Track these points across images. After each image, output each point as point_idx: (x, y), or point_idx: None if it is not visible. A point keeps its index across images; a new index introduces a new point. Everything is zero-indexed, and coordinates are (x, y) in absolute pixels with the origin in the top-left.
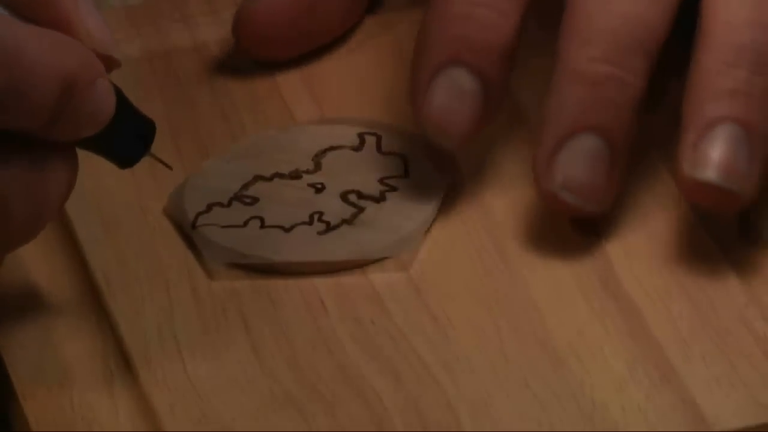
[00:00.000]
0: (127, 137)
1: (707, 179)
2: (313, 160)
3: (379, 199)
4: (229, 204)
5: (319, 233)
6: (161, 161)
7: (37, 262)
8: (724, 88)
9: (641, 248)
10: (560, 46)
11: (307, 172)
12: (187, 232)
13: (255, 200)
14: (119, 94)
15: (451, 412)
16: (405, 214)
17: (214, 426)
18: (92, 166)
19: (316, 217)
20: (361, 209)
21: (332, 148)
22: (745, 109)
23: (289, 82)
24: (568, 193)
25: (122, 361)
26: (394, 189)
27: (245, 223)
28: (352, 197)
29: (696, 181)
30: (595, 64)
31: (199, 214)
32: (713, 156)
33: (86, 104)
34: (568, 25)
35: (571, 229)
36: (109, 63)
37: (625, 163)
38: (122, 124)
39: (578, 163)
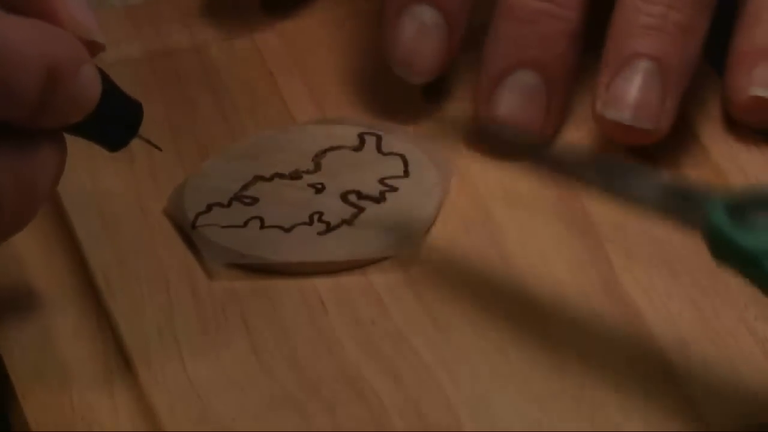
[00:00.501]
0: (115, 120)
1: (617, 119)
2: (313, 160)
3: (379, 199)
4: (229, 204)
5: (319, 233)
6: (150, 143)
7: (37, 262)
8: (638, 24)
9: (641, 248)
10: None
11: (307, 172)
12: (187, 232)
13: (255, 200)
14: (105, 77)
15: (451, 412)
16: (405, 214)
17: (214, 426)
18: (92, 166)
19: (315, 217)
20: (361, 209)
21: (332, 149)
22: (659, 45)
23: (289, 82)
24: (501, 129)
25: (122, 361)
26: (394, 189)
27: (245, 224)
28: (352, 197)
29: (607, 120)
30: (525, 1)
31: (199, 214)
32: (623, 95)
33: (71, 92)
34: None
35: (571, 229)
36: (93, 47)
37: (563, 94)
38: (109, 108)
39: (514, 99)
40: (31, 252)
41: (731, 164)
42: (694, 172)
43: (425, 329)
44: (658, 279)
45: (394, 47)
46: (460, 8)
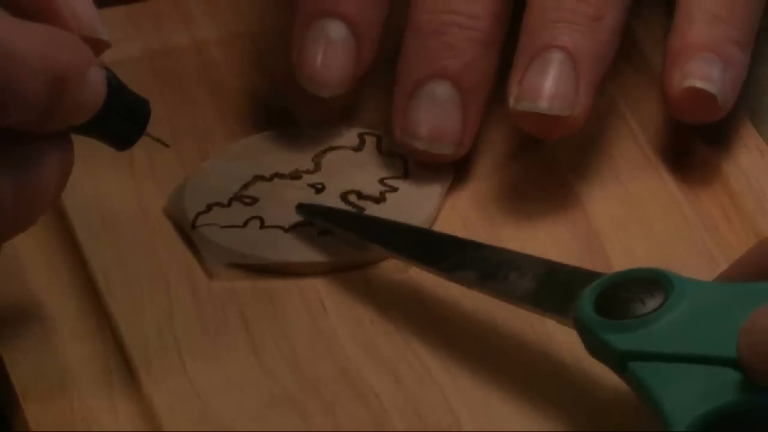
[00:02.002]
0: (122, 119)
1: (532, 110)
2: (313, 160)
3: (379, 199)
4: (229, 204)
5: (319, 233)
6: (158, 140)
7: (37, 262)
8: (548, 19)
9: (641, 249)
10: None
11: (307, 172)
12: (187, 232)
13: (255, 200)
14: (112, 76)
15: (451, 413)
16: (405, 214)
17: (214, 426)
18: (92, 167)
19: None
20: (361, 210)
21: (332, 149)
22: (569, 36)
23: (290, 82)
24: (418, 141)
25: (122, 362)
26: (394, 189)
27: (245, 223)
28: (352, 197)
29: (522, 113)
30: (432, 15)
31: (198, 214)
32: (536, 86)
33: (78, 97)
34: None
35: (571, 229)
36: (98, 45)
37: (479, 102)
38: (116, 107)
39: (428, 110)
40: (31, 252)
41: (731, 166)
42: (694, 174)
43: (425, 329)
44: None
45: (300, 62)
46: (369, 21)
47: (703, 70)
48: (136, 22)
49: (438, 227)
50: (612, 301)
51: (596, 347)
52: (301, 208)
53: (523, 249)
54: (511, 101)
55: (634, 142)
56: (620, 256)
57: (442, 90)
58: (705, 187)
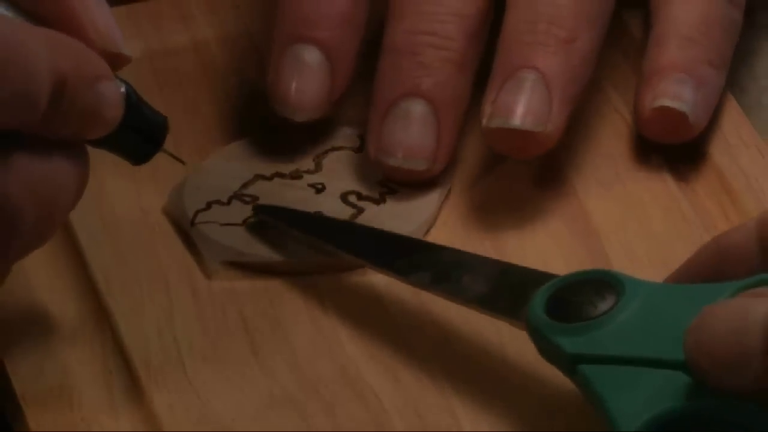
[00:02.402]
0: (140, 134)
1: (505, 126)
2: (314, 160)
3: (379, 200)
4: (229, 202)
5: None
6: (174, 156)
7: (37, 263)
8: (522, 42)
9: (641, 248)
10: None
11: (308, 172)
12: (186, 229)
13: (255, 199)
14: (131, 91)
15: (451, 413)
16: (404, 216)
17: (214, 426)
18: (93, 168)
19: None
20: (360, 210)
21: (333, 149)
22: (542, 57)
23: None
24: (392, 158)
25: (122, 362)
26: (394, 191)
27: (244, 222)
28: (352, 198)
29: (495, 130)
30: (406, 35)
31: (198, 211)
32: (509, 104)
33: (85, 104)
34: (388, 5)
35: (571, 229)
36: (119, 60)
37: (454, 121)
38: (134, 122)
39: (402, 128)
40: (32, 253)
41: (732, 166)
42: (694, 174)
43: (425, 329)
44: (658, 279)
45: (275, 87)
46: (343, 46)
47: (675, 90)
48: (136, 22)
49: (438, 227)
50: (563, 304)
51: (547, 349)
52: (258, 209)
53: (523, 248)
54: (485, 120)
55: (634, 142)
56: (620, 256)
57: (415, 107)
58: (705, 186)
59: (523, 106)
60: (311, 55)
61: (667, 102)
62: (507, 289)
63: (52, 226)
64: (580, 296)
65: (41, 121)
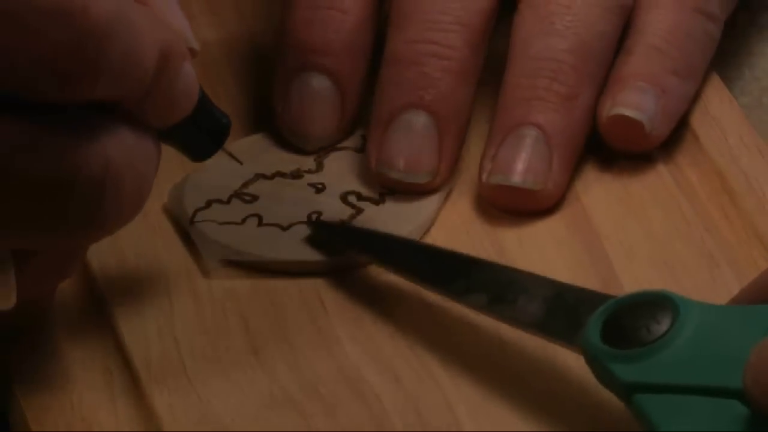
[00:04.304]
0: (204, 131)
1: (504, 183)
2: (315, 160)
3: (379, 201)
4: (229, 201)
5: None
6: (233, 156)
7: None
8: (522, 97)
9: (641, 248)
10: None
11: (309, 171)
12: (185, 227)
13: (255, 198)
14: (199, 87)
15: (451, 412)
16: (404, 216)
17: (214, 426)
18: None
19: (314, 216)
20: (359, 210)
21: (335, 149)
22: (543, 114)
23: None
24: (394, 171)
25: (122, 362)
26: (393, 192)
27: (243, 221)
28: (352, 198)
29: (494, 187)
30: (409, 45)
31: (197, 210)
32: (509, 160)
33: (178, 80)
34: (390, 15)
35: (571, 229)
36: (190, 53)
37: (456, 133)
38: (200, 117)
39: (404, 139)
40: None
41: (732, 166)
42: (694, 175)
43: (425, 329)
44: (658, 279)
45: (284, 115)
46: (351, 72)
47: (633, 99)
48: None
49: (438, 227)
50: (617, 329)
51: (603, 376)
52: (315, 224)
53: (523, 248)
54: (484, 176)
55: None
56: (620, 256)
57: (418, 119)
58: (705, 186)
59: (523, 163)
60: (320, 83)
61: (622, 110)
62: (562, 312)
63: (140, 203)
64: (634, 320)
65: (144, 93)
